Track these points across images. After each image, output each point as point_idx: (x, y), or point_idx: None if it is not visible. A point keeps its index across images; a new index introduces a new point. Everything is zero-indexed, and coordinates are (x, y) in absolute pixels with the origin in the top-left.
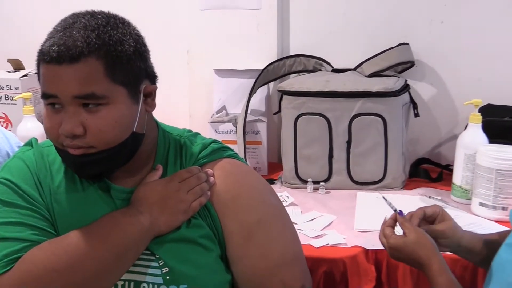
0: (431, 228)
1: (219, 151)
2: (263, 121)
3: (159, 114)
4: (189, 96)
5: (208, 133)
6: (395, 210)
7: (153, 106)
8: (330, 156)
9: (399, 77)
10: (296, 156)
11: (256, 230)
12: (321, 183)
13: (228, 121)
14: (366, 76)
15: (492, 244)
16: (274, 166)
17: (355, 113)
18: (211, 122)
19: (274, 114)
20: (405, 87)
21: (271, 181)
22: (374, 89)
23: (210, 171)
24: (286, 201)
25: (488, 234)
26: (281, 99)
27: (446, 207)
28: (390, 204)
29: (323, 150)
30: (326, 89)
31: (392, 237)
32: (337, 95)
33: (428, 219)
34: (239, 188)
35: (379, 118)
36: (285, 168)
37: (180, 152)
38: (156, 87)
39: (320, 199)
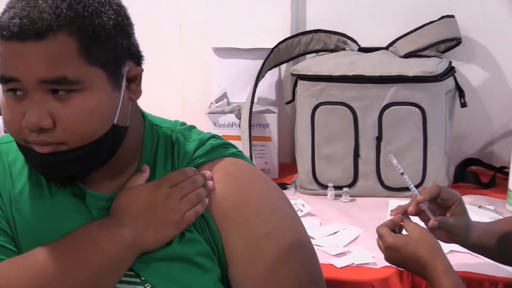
0: (443, 220)
1: (220, 148)
2: (273, 112)
3: (145, 103)
4: (182, 81)
5: (205, 126)
6: (402, 174)
7: (138, 93)
8: (356, 155)
9: (441, 57)
10: (313, 156)
11: (265, 246)
12: (344, 189)
13: (230, 112)
14: (400, 56)
15: (509, 235)
16: (287, 168)
17: (387, 103)
18: (209, 113)
19: (287, 103)
20: (449, 71)
21: (283, 186)
22: (410, 72)
23: (208, 173)
24: (302, 211)
25: (497, 223)
26: (295, 85)
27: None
28: (397, 167)
29: (347, 148)
30: (351, 73)
31: (391, 235)
32: (365, 80)
33: (442, 203)
34: (244, 195)
35: (416, 109)
36: (300, 170)
37: (171, 149)
38: (142, 70)
39: (343, 208)
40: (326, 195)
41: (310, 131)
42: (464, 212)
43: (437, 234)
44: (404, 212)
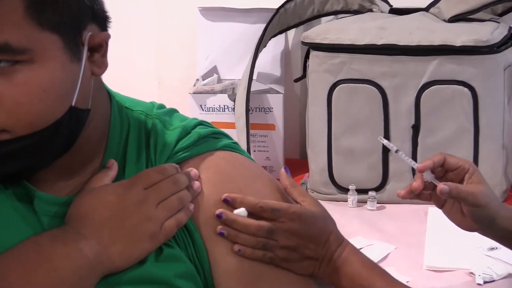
0: (458, 188)
1: (209, 139)
2: (278, 93)
3: (111, 79)
4: (159, 51)
5: (189, 110)
6: (396, 151)
7: (103, 65)
8: (386, 149)
9: (499, 22)
10: (330, 150)
11: (264, 270)
12: (370, 193)
13: (221, 92)
14: (445, 20)
15: None
16: (295, 165)
17: (426, 81)
18: (193, 93)
19: (296, 81)
20: (509, 39)
21: None
22: (458, 41)
23: (194, 171)
24: None
25: None
26: (307, 57)
27: None
28: (389, 145)
29: (374, 140)
30: (380, 42)
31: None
32: (398, 51)
33: (453, 176)
34: None
35: (465, 89)
36: (312, 168)
37: (146, 140)
38: (109, 36)
39: (369, 218)
40: (347, 201)
41: (326, 118)
42: (482, 181)
43: (452, 212)
44: (409, 192)
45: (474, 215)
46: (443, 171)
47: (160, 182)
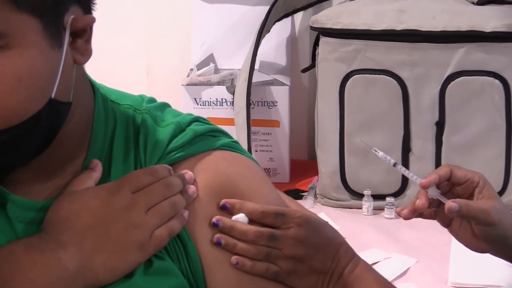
0: (469, 206)
1: (206, 137)
2: (283, 84)
3: (95, 69)
4: (148, 38)
5: (181, 103)
6: (394, 165)
7: (87, 53)
8: (406, 149)
9: None
10: (343, 150)
11: (267, 283)
12: (388, 199)
13: (218, 83)
14: (473, 3)
15: None
16: (303, 167)
17: (452, 71)
18: (187, 85)
19: (304, 71)
20: None
21: (297, 195)
22: (488, 27)
23: (189, 174)
24: None
25: None
26: (316, 43)
27: None
28: (386, 158)
29: (393, 139)
30: (399, 27)
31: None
32: (420, 37)
33: (460, 190)
34: None
35: (496, 81)
36: (322, 170)
37: (134, 137)
38: (93, 19)
39: (386, 227)
40: (361, 208)
41: (337, 113)
42: (494, 195)
43: (460, 231)
44: (413, 211)
45: (485, 235)
46: (449, 185)
47: (150, 186)
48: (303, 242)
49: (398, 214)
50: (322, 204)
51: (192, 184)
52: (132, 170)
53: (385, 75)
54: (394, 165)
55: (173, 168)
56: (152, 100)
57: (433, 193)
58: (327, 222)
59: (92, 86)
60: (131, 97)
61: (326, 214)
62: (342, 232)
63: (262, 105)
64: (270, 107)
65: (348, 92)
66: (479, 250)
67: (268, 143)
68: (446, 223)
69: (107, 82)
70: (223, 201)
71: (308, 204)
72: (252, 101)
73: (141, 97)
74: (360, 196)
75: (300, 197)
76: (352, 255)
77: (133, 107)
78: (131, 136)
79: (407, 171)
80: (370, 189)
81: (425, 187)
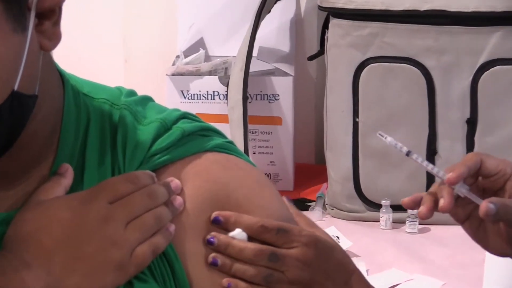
0: (507, 206)
1: (196, 137)
2: (287, 75)
3: (65, 57)
4: (125, 19)
5: (166, 97)
6: (408, 154)
7: (55, 37)
8: (431, 151)
9: None
10: (357, 151)
11: None
12: (411, 211)
13: (209, 73)
14: None
15: None
16: (310, 172)
17: (486, 60)
18: (172, 75)
19: (311, 59)
20: None
21: (303, 205)
22: None
23: (175, 182)
24: None
25: None
26: (325, 26)
27: None
28: (396, 145)
29: (416, 139)
30: (424, 7)
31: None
32: (448, 19)
33: (488, 184)
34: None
35: None
36: (332, 176)
37: (112, 138)
38: None
39: (408, 243)
40: (378, 221)
41: (351, 108)
42: None
43: (479, 230)
44: (431, 208)
45: None
46: (474, 177)
47: (131, 195)
48: (310, 265)
49: (418, 214)
50: (332, 216)
51: (179, 193)
52: (109, 177)
53: (406, 63)
54: (408, 154)
55: (157, 175)
56: (131, 93)
57: (462, 189)
58: (337, 243)
59: (61, 77)
60: (107, 89)
61: (336, 228)
62: (356, 249)
63: (261, 99)
64: (270, 101)
65: (363, 84)
66: (499, 253)
67: (268, 143)
68: (461, 219)
69: (79, 72)
70: (215, 214)
71: (315, 216)
72: (250, 94)
73: (119, 89)
74: (377, 206)
75: (306, 208)
76: (365, 286)
77: (110, 101)
78: (107, 135)
79: (426, 162)
80: (389, 199)
81: (453, 183)
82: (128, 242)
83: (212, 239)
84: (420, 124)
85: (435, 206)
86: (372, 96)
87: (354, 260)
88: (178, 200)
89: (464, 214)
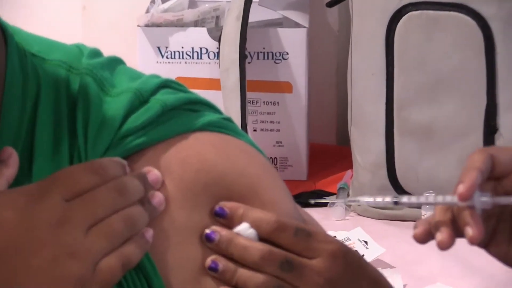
0: None
1: (182, 112)
2: (299, 26)
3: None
4: None
5: (138, 57)
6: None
7: None
8: (490, 128)
9: None
10: (391, 128)
11: None
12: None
13: (195, 24)
14: None
15: None
16: (328, 155)
17: None
18: (145, 26)
19: (330, 5)
20: None
21: (319, 197)
22: None
23: (154, 173)
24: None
25: None
26: None
27: None
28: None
29: (471, 113)
30: None
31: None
32: None
33: (503, 177)
34: None
35: None
36: (359, 160)
37: (70, 113)
38: None
39: (459, 252)
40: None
41: (383, 72)
42: None
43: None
44: (451, 237)
45: None
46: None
47: (94, 190)
48: (334, 283)
49: (438, 245)
50: (359, 214)
51: (159, 188)
52: (66, 165)
53: (457, 11)
54: (395, 202)
55: (130, 163)
56: (95, 52)
57: (483, 199)
58: (362, 256)
59: (3, 31)
60: (63, 48)
61: (364, 229)
62: (390, 258)
63: (264, 58)
64: (277, 61)
65: (400, 38)
66: None
67: (274, 118)
68: (485, 241)
69: (26, 25)
70: (220, 204)
71: (336, 214)
72: (249, 52)
73: (78, 48)
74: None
75: (324, 204)
76: None
77: (67, 64)
78: (63, 110)
79: (423, 197)
80: (434, 191)
81: (467, 198)
82: (90, 253)
83: (212, 234)
84: (475, 92)
85: (455, 232)
86: (411, 55)
87: (388, 272)
88: (158, 197)
89: (487, 235)
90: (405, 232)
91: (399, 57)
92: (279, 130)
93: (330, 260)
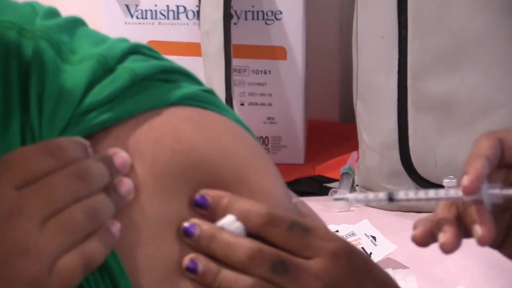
0: None
1: (155, 83)
2: None
3: None
4: None
5: (101, 16)
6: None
7: None
8: None
9: None
10: (404, 102)
11: None
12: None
13: None
14: None
15: None
16: (330, 135)
17: None
18: None
19: None
20: None
21: (319, 186)
22: None
23: (121, 155)
24: (371, 254)
25: None
26: None
27: None
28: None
29: (498, 85)
30: None
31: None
32: None
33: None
34: None
35: None
36: (366, 141)
37: (22, 84)
38: None
39: (484, 249)
40: None
41: (395, 34)
42: None
43: None
44: (456, 239)
45: None
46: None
47: (51, 176)
48: (336, 285)
49: (441, 247)
50: (366, 205)
51: (127, 174)
52: (17, 146)
53: None
54: (390, 198)
55: (93, 143)
56: (51, 12)
57: (492, 191)
58: (369, 255)
59: None
60: (12, 6)
61: (371, 222)
62: (403, 257)
63: (253, 19)
64: (269, 21)
65: None
66: None
67: (264, 89)
68: (498, 241)
69: None
70: (201, 192)
71: (339, 203)
72: (235, 11)
73: (32, 6)
74: (436, 189)
75: (325, 192)
76: None
77: (18, 25)
78: (13, 81)
79: (423, 192)
80: (455, 177)
81: (473, 191)
82: (46, 250)
83: (191, 228)
84: (503, 60)
85: (462, 232)
86: (428, 15)
87: (401, 273)
88: (126, 184)
89: (500, 233)
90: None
91: (413, 18)
92: (270, 104)
93: (331, 260)
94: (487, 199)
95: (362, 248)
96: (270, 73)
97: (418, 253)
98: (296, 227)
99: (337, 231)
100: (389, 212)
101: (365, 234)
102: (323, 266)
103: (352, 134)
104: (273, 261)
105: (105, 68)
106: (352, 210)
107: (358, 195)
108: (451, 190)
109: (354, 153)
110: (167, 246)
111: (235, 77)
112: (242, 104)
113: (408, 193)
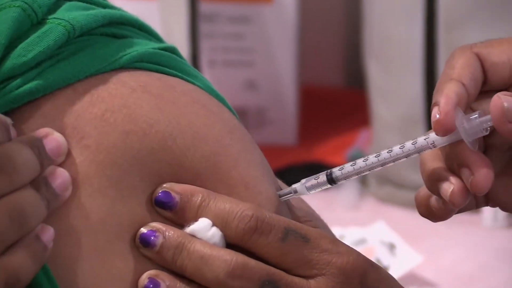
0: None
1: (98, 39)
2: None
3: None
4: None
5: None
6: None
7: None
8: None
9: None
10: (433, 61)
11: None
12: None
13: None
14: None
15: None
16: (332, 106)
17: None
18: None
19: None
20: None
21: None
22: None
23: (55, 137)
24: (385, 266)
25: None
26: None
27: None
28: None
29: None
30: None
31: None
32: None
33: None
34: None
35: None
36: (381, 114)
37: None
38: None
39: None
40: (477, 213)
41: None
42: None
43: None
44: (463, 187)
45: None
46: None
47: None
48: None
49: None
50: (380, 199)
51: (62, 162)
52: None
53: None
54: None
55: (16, 121)
56: None
57: (470, 128)
58: (387, 271)
59: None
60: None
61: (389, 225)
62: (432, 271)
63: None
64: None
65: None
66: None
67: (243, 44)
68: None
69: None
70: (164, 187)
71: (346, 199)
72: None
73: None
74: None
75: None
76: None
77: None
78: None
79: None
80: None
81: (447, 127)
82: None
83: (151, 236)
84: None
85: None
86: None
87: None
88: (61, 176)
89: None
90: (454, 229)
91: None
92: (251, 65)
93: (338, 280)
94: (467, 135)
95: (377, 260)
96: (251, 23)
97: (451, 266)
98: (292, 235)
99: (343, 237)
100: (412, 211)
101: (380, 240)
102: (324, 280)
103: (361, 104)
104: (262, 281)
105: (32, 19)
106: (363, 209)
107: (308, 181)
108: (420, 138)
109: (364, 132)
110: (117, 260)
111: (203, 28)
112: (212, 64)
113: (369, 157)
